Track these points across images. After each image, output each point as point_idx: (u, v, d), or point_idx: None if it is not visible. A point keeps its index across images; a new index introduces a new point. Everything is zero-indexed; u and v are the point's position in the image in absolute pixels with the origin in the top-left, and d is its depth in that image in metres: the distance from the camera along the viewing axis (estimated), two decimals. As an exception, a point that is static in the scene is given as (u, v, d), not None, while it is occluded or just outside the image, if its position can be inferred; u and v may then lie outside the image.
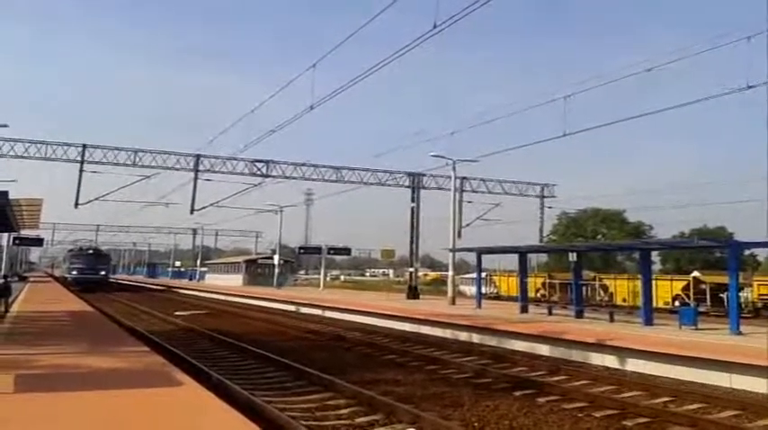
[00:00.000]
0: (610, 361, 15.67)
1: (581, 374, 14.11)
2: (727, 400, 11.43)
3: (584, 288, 40.42)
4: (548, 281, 45.44)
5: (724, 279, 26.94)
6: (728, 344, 15.22)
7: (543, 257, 66.94)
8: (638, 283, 31.80)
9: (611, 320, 21.91)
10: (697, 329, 19.25)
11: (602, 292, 42.67)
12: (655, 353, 14.63)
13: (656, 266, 70.66)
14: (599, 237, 78.90)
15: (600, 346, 16.05)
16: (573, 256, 24.85)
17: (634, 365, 14.97)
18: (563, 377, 13.93)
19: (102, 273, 57.38)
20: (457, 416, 9.96)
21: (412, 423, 9.20)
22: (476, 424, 9.53)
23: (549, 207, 46.78)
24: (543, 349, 17.65)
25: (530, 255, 49.74)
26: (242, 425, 6.95)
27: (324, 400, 10.86)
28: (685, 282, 37.99)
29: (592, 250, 42.62)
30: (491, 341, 19.53)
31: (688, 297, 35.72)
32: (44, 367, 10.80)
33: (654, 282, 36.97)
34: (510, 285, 46.67)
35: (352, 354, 17.37)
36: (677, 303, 34.18)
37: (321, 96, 21.40)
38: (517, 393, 11.88)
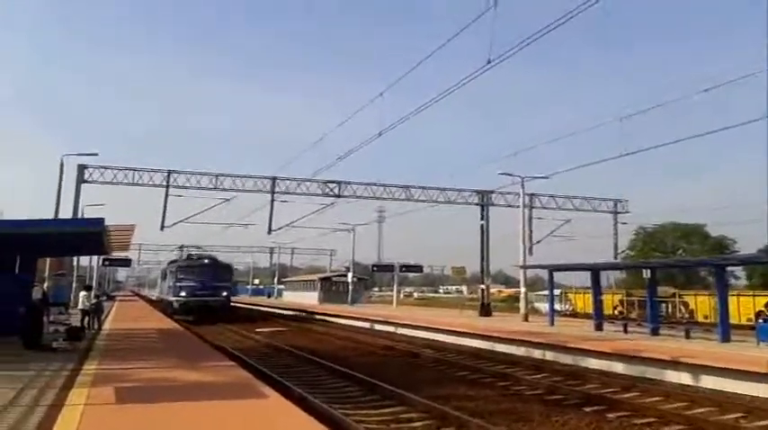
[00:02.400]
0: (684, 378, 15.62)
1: (654, 391, 14.17)
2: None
3: (663, 305, 39.65)
4: (625, 298, 44.63)
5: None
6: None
7: (622, 274, 65.53)
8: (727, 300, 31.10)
9: (688, 337, 21.63)
10: (777, 346, 18.83)
11: (682, 309, 41.63)
12: (729, 369, 14.53)
13: (742, 282, 68.00)
14: (679, 252, 76.45)
15: (673, 363, 16.02)
16: (647, 273, 24.60)
17: (708, 382, 14.91)
18: (635, 394, 14.03)
19: (224, 294, 39.11)
20: None
21: (482, 436, 9.66)
22: (544, 437, 9.91)
23: (624, 223, 46.03)
24: (617, 367, 17.67)
25: (607, 272, 49.40)
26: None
27: (397, 414, 11.41)
28: (768, 298, 36.69)
29: (665, 266, 41.70)
30: (564, 358, 19.64)
31: (773, 313, 34.44)
32: (140, 380, 11.77)
33: (736, 298, 36.17)
34: (586, 302, 46.06)
35: (424, 370, 17.87)
36: (760, 320, 33.06)
37: (389, 122, 22.23)
38: (587, 409, 12.11)
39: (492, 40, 14.21)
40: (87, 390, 10.00)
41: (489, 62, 14.33)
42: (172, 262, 48.40)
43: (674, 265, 48.92)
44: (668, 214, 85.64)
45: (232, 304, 42.07)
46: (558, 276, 52.03)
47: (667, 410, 11.90)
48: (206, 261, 41.79)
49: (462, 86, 16.06)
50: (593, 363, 18.37)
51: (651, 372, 16.48)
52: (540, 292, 57.70)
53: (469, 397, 13.29)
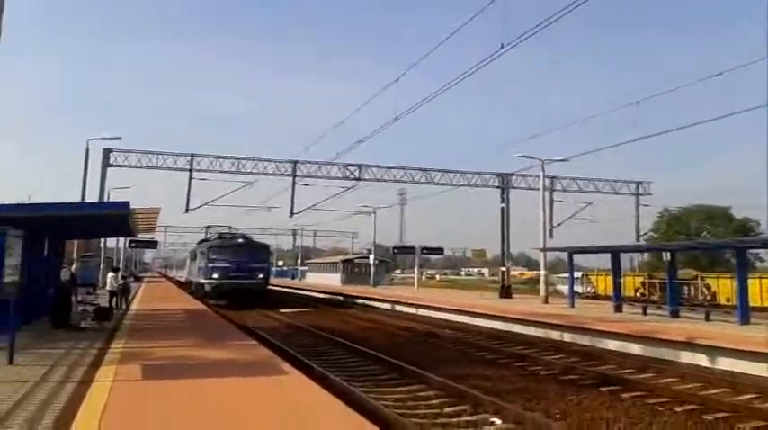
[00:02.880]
0: (700, 359, 15.70)
1: (669, 372, 14.29)
2: (816, 399, 11.48)
3: (686, 287, 39.45)
4: (647, 280, 44.47)
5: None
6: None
7: (645, 256, 65.16)
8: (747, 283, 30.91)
9: (707, 319, 21.67)
10: (797, 329, 18.79)
11: (705, 291, 41.38)
12: (745, 351, 14.60)
13: (767, 264, 67.29)
14: (704, 234, 75.69)
15: (690, 345, 16.11)
16: (667, 256, 24.58)
17: (724, 363, 14.99)
18: (651, 374, 14.17)
19: (260, 276, 36.00)
20: (540, 408, 10.53)
21: (496, 412, 9.91)
22: (557, 415, 10.12)
23: (646, 205, 45.76)
24: (635, 348, 17.77)
25: (631, 254, 49.20)
26: (341, 409, 7.88)
27: (415, 392, 11.70)
28: (793, 280, 36.32)
29: (684, 249, 41.41)
30: (582, 340, 19.77)
31: (796, 295, 34.15)
32: (165, 358, 12.17)
33: (758, 280, 35.91)
34: (607, 284, 45.81)
35: (443, 351, 18.14)
36: (784, 302, 32.81)
37: (406, 106, 22.46)
38: (603, 389, 12.28)
39: (504, 24, 14.28)
40: (115, 368, 10.39)
41: (502, 47, 14.41)
42: (202, 241, 45.89)
43: (693, 248, 48.50)
44: (692, 197, 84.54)
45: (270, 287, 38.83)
46: (580, 259, 51.91)
47: (681, 390, 12.05)
48: (240, 240, 38.34)
49: (478, 70, 16.11)
50: (611, 345, 18.50)
51: (667, 354, 16.57)
52: (562, 275, 57.58)
53: (486, 376, 13.50)
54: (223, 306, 31.87)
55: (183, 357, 12.28)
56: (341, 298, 45.43)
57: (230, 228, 47.11)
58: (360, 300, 41.26)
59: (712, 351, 15.48)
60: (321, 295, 49.91)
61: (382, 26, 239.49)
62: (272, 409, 7.90)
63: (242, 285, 34.35)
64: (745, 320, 20.36)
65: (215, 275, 35.22)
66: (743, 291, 21.13)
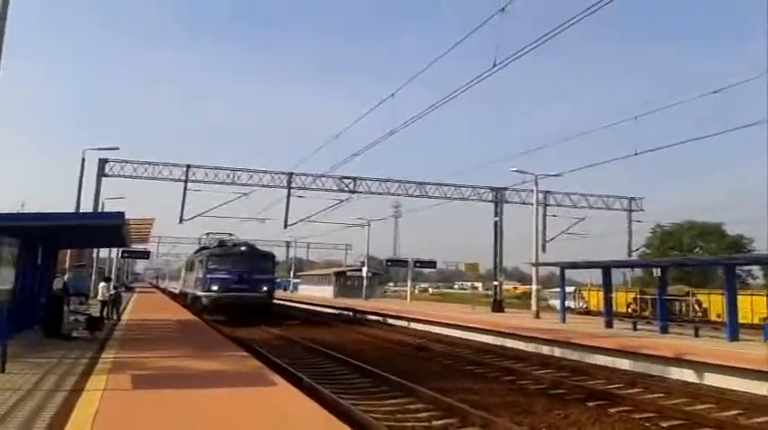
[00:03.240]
0: (688, 375, 15.86)
1: (657, 387, 14.44)
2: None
3: (677, 303, 39.76)
4: (639, 295, 44.69)
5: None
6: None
7: (638, 272, 65.47)
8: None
9: (696, 335, 21.84)
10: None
11: (696, 308, 41.61)
12: (731, 367, 14.76)
13: (759, 281, 67.68)
14: (696, 250, 76.05)
15: (678, 361, 16.26)
16: (657, 272, 24.78)
17: (711, 379, 15.16)
18: (638, 390, 14.29)
19: (265, 289, 32.01)
20: (527, 422, 10.64)
21: (483, 426, 10.01)
22: (544, 429, 10.24)
23: (638, 221, 46.04)
24: (624, 363, 17.92)
25: (624, 270, 49.48)
26: (328, 421, 7.97)
27: (404, 405, 11.79)
28: (783, 298, 36.55)
29: (674, 265, 41.71)
30: (572, 355, 19.91)
31: (786, 313, 34.36)
32: (156, 368, 12.25)
33: (749, 297, 36.16)
34: (599, 300, 45.98)
35: (433, 364, 18.23)
36: (769, 320, 33.05)
37: (402, 119, 22.63)
38: (590, 403, 12.42)
39: (498, 43, 14.48)
40: (106, 377, 10.46)
41: (495, 65, 14.62)
42: (201, 249, 40.83)
43: (682, 264, 48.77)
44: (684, 213, 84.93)
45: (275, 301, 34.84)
46: (573, 274, 52.15)
47: (667, 406, 12.17)
48: (243, 248, 33.50)
49: (473, 85, 16.28)
50: (600, 360, 18.64)
51: (655, 369, 16.73)
52: (554, 289, 57.71)
53: (475, 390, 13.59)
54: (221, 322, 28.83)
55: (173, 367, 12.36)
56: (329, 310, 45.49)
57: (231, 235, 40.98)
58: (350, 313, 41.35)
59: (699, 367, 15.65)
60: (311, 307, 49.93)
61: (383, 37, 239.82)
62: (260, 420, 8.00)
63: (244, 299, 30.62)
64: (733, 337, 20.52)
65: (214, 287, 31.21)
66: (732, 307, 21.34)
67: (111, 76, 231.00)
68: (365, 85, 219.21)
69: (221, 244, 36.75)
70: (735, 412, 11.95)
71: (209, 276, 31.80)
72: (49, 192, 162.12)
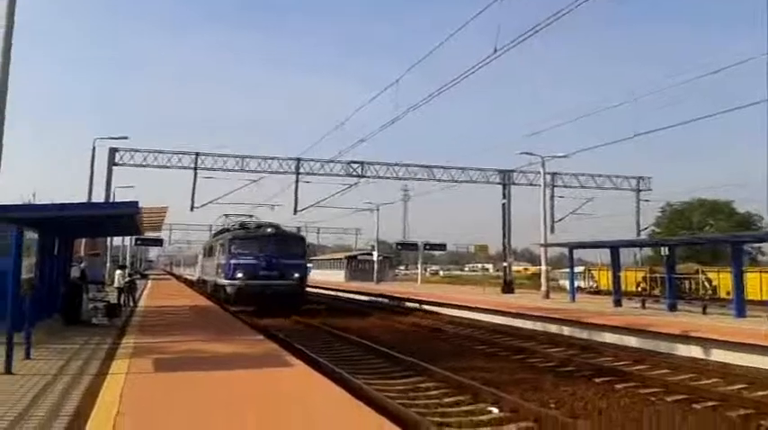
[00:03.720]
0: (695, 351, 16.13)
1: (664, 364, 14.72)
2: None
3: (687, 281, 39.94)
4: (648, 274, 44.89)
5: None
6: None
7: (648, 251, 65.55)
8: (744, 277, 31.26)
9: (704, 313, 22.09)
10: (790, 321, 19.20)
11: (706, 285, 41.78)
12: (737, 343, 15.04)
13: (770, 258, 67.62)
14: (706, 228, 75.91)
15: (685, 337, 16.53)
16: (665, 250, 24.99)
17: (718, 355, 15.43)
18: (645, 366, 14.58)
19: (296, 275, 28.86)
20: (536, 398, 10.95)
21: (494, 403, 10.34)
22: (552, 405, 10.55)
23: (647, 200, 46.09)
24: (631, 341, 18.20)
25: (634, 249, 49.60)
26: (345, 398, 8.32)
27: (416, 383, 12.13)
28: (794, 274, 36.65)
29: (681, 244, 41.73)
30: (580, 333, 20.21)
31: (795, 289, 34.49)
32: (176, 352, 12.58)
33: (758, 274, 36.28)
34: (609, 279, 46.28)
35: (445, 344, 18.57)
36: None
37: (408, 104, 22.89)
38: (597, 380, 12.71)
39: (499, 28, 14.66)
40: (128, 361, 10.86)
41: (495, 51, 14.81)
42: (221, 232, 37.36)
43: (688, 242, 48.80)
44: (694, 191, 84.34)
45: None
46: (584, 254, 52.30)
47: (673, 381, 12.45)
48: (269, 230, 30.08)
49: (476, 70, 16.46)
50: (608, 338, 18.92)
51: (663, 346, 17.00)
52: (565, 270, 57.95)
53: (486, 368, 13.88)
54: (251, 313, 25.84)
55: (192, 351, 12.72)
56: (342, 294, 45.94)
57: (251, 216, 37.59)
58: (362, 296, 41.82)
59: (706, 343, 15.91)
60: (324, 292, 50.37)
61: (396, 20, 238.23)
62: (277, 397, 8.35)
63: (273, 287, 27.64)
64: (741, 313, 20.77)
65: (239, 275, 28.05)
66: (738, 284, 21.59)
67: (121, 63, 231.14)
68: (378, 69, 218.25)
69: (243, 226, 33.34)
70: (739, 386, 12.24)
71: (233, 262, 28.56)
72: (54, 181, 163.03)
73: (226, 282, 28.98)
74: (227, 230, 34.93)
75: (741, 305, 20.93)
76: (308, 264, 33.17)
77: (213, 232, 41.99)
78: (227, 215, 40.98)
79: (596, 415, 9.95)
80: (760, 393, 11.54)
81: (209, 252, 38.35)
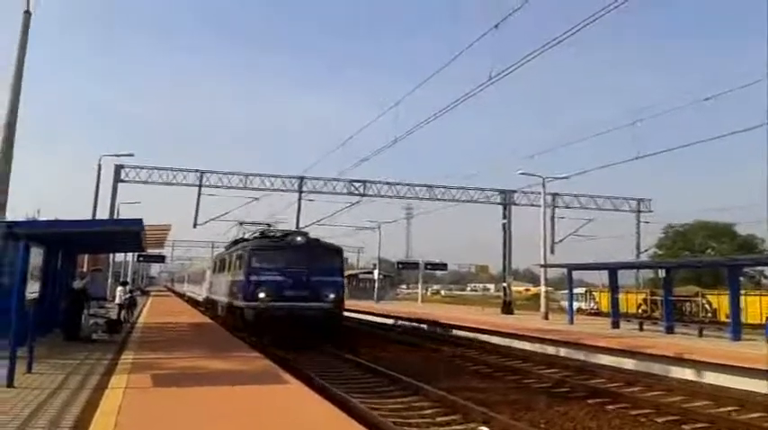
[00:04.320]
0: (687, 373, 16.28)
1: (657, 386, 14.85)
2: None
3: (687, 304, 39.97)
4: (649, 297, 44.96)
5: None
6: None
7: (650, 273, 65.60)
8: (744, 300, 31.38)
9: (701, 335, 22.22)
10: (785, 345, 19.33)
11: (707, 308, 41.82)
12: (730, 366, 15.19)
13: (774, 283, 67.56)
14: (708, 251, 75.96)
15: (679, 360, 16.68)
16: (662, 272, 25.16)
17: (710, 378, 15.58)
18: (638, 388, 14.71)
19: (332, 296, 22.63)
20: (527, 417, 11.14)
21: (485, 422, 10.52)
22: (542, 424, 10.73)
23: (646, 222, 46.39)
24: (627, 363, 18.32)
25: (636, 271, 49.66)
26: (337, 415, 8.52)
27: (411, 402, 12.31)
28: (792, 298, 36.70)
29: (678, 267, 41.83)
30: (576, 355, 20.33)
31: (795, 313, 34.53)
32: (173, 368, 12.78)
33: (758, 298, 36.36)
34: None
35: (441, 365, 18.69)
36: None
37: (406, 128, 23.35)
38: (590, 401, 12.86)
39: (494, 58, 15.04)
40: (127, 376, 11.05)
41: (490, 78, 15.18)
42: (235, 243, 30.17)
43: (685, 265, 48.93)
44: (696, 214, 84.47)
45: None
46: (586, 275, 52.33)
47: (664, 403, 12.60)
48: (299, 239, 23.56)
49: (473, 94, 16.87)
50: (604, 360, 19.05)
51: (657, 368, 17.15)
52: (566, 291, 58.01)
53: (480, 389, 14.04)
54: (275, 343, 20.39)
55: (190, 367, 12.89)
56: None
57: (269, 225, 31.68)
58: (361, 316, 41.99)
59: (699, 366, 16.07)
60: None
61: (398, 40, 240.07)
62: (270, 412, 8.56)
63: (303, 311, 21.67)
64: (736, 336, 20.91)
65: (261, 295, 21.67)
66: (735, 307, 21.75)
67: (120, 80, 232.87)
68: (380, 87, 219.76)
69: (264, 235, 26.86)
70: (729, 408, 12.38)
71: (253, 278, 22.37)
72: (56, 197, 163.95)
73: (243, 303, 22.58)
74: (245, 240, 28.33)
75: (737, 328, 21.09)
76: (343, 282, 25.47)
77: (227, 244, 34.00)
78: (241, 223, 34.98)
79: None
80: (750, 415, 11.71)
81: (221, 266, 31.08)
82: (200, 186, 39.69)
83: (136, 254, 51.64)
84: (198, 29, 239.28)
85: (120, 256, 55.09)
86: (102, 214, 34.72)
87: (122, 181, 38.62)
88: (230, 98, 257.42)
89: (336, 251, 25.02)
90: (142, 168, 39.23)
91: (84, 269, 35.06)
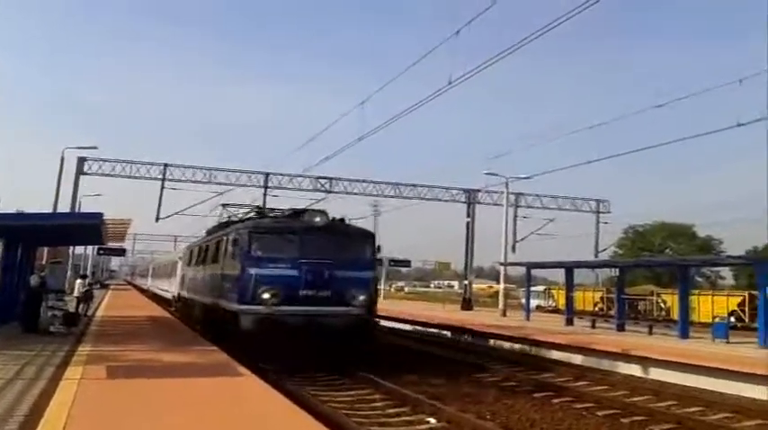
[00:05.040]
0: (635, 370, 16.95)
1: (602, 381, 15.45)
2: (726, 405, 12.75)
3: (642, 302, 41.07)
4: (605, 295, 46.02)
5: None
6: (745, 356, 16.31)
7: (609, 272, 66.88)
8: (697, 299, 32.42)
9: (650, 333, 22.99)
10: (728, 343, 20.18)
11: (661, 306, 42.96)
12: (674, 362, 15.88)
13: (728, 282, 69.45)
14: (666, 251, 77.76)
15: (626, 356, 17.34)
16: (614, 272, 25.95)
17: (655, 374, 16.28)
18: (584, 383, 15.29)
19: (362, 298, 15.64)
20: (474, 410, 11.53)
21: (432, 414, 10.91)
22: (488, 416, 11.16)
23: (605, 222, 47.48)
24: (577, 358, 18.96)
25: (597, 270, 50.75)
26: (288, 407, 8.78)
27: (362, 395, 12.65)
28: (741, 298, 37.98)
29: (631, 266, 43.05)
30: (529, 350, 20.92)
31: (744, 312, 35.76)
32: (129, 360, 12.89)
33: (710, 298, 37.56)
34: (568, 299, 47.40)
35: (395, 358, 18.99)
36: (732, 319, 34.35)
37: (371, 126, 23.57)
38: (537, 395, 13.37)
39: (454, 62, 15.36)
40: (82, 368, 11.17)
41: (450, 83, 15.55)
42: (225, 224, 22.52)
43: (637, 265, 50.25)
44: (659, 215, 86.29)
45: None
46: (547, 273, 53.12)
47: (607, 397, 13.19)
48: (317, 220, 16.50)
49: (432, 99, 17.20)
50: (555, 355, 19.67)
51: (605, 364, 17.79)
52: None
53: (431, 383, 14.33)
54: (281, 359, 14.90)
55: (145, 360, 13.00)
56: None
57: (259, 207, 23.83)
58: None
59: (644, 362, 16.73)
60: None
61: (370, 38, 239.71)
62: (222, 402, 8.82)
63: (323, 319, 15.41)
64: (684, 335, 21.71)
65: (266, 295, 15.19)
66: (684, 306, 22.53)
67: (86, 73, 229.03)
68: (352, 83, 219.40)
69: (261, 213, 20.74)
70: (669, 403, 13.01)
71: (253, 271, 15.70)
72: (19, 188, 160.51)
73: (237, 306, 15.77)
74: (235, 222, 20.86)
75: (685, 326, 21.87)
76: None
77: (214, 226, 26.10)
78: (224, 205, 24.73)
79: (528, 427, 10.61)
80: (688, 409, 12.31)
81: (199, 257, 23.71)
82: (163, 180, 39.40)
83: (96, 247, 50.97)
84: (156, 22, 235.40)
85: (80, 249, 54.40)
86: (65, 206, 34.33)
87: (85, 173, 38.15)
88: (195, 92, 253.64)
89: (368, 236, 18.37)
90: (105, 161, 38.82)
91: (44, 261, 34.72)
